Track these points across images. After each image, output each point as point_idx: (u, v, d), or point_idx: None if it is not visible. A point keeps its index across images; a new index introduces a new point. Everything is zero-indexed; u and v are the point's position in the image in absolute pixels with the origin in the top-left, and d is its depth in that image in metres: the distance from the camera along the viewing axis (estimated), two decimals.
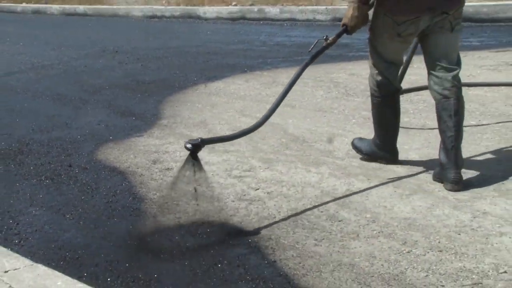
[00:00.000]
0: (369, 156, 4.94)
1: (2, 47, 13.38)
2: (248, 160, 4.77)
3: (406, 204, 3.73)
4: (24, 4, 23.86)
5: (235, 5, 17.26)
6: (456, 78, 4.53)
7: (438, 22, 4.56)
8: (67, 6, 22.10)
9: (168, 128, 5.89)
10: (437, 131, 4.84)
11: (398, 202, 3.77)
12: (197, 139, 4.26)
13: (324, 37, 5.26)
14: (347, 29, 4.89)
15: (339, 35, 5.08)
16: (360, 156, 4.72)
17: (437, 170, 4.49)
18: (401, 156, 4.61)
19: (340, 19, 11.31)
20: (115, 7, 20.81)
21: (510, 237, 3.21)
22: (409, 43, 4.99)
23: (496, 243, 3.16)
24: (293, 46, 10.81)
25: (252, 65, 8.94)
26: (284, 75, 7.96)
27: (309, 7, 15.02)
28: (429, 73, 4.65)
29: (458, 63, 4.63)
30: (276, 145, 5.13)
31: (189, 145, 4.11)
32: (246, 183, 4.28)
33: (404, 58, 5.42)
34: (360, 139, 5.11)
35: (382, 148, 4.83)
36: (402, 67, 5.11)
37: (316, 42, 5.21)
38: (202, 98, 6.98)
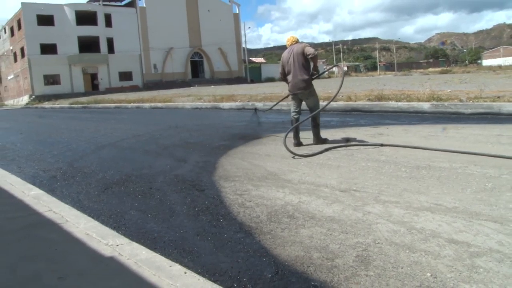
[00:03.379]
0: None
1: (120, 125, 13.53)
2: (245, 185, 4.72)
3: (329, 208, 3.73)
4: (132, 104, 24.85)
5: (239, 101, 17.50)
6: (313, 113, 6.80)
7: (304, 94, 6.79)
8: (152, 104, 22.98)
9: (203, 168, 5.83)
10: (348, 167, 5.24)
11: (325, 207, 3.76)
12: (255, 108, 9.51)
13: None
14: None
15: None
16: (307, 182, 4.68)
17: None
18: (326, 183, 4.57)
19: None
20: (176, 103, 21.30)
21: (381, 225, 3.25)
22: (299, 103, 6.95)
23: (375, 228, 3.19)
24: (270, 123, 10.86)
25: (248, 134, 8.93)
26: (265, 139, 8.00)
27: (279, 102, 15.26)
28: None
29: (315, 109, 6.84)
30: (260, 176, 5.07)
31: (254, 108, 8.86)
32: (244, 198, 4.24)
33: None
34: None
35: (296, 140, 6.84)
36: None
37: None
38: (220, 152, 6.93)
